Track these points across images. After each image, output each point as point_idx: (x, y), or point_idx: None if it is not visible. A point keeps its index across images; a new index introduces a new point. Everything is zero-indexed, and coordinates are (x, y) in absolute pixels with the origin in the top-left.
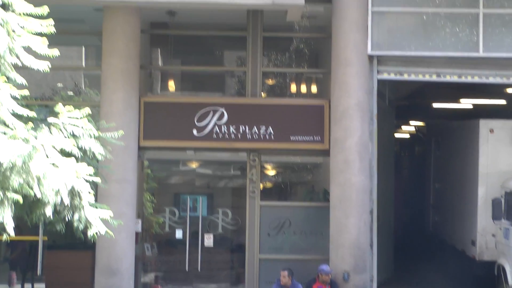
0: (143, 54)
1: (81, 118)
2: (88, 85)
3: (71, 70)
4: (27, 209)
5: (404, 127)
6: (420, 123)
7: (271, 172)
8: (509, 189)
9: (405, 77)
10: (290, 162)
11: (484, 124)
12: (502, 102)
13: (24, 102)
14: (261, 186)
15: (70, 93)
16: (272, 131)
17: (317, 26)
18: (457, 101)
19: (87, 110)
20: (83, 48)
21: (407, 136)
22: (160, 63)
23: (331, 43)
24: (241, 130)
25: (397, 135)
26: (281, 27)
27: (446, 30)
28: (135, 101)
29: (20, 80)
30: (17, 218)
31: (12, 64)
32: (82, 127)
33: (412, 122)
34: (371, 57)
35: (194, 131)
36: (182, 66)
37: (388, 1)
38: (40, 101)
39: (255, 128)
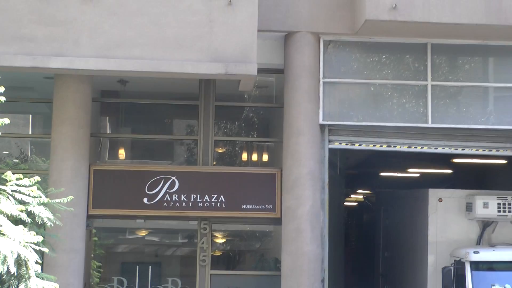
0: (93, 121)
1: (30, 185)
2: (35, 153)
3: (17, 138)
4: None
5: (352, 195)
6: (369, 192)
7: (221, 240)
8: (459, 257)
9: (356, 146)
10: (241, 230)
11: (433, 194)
12: (448, 171)
13: None
14: (212, 254)
15: (16, 160)
16: (223, 200)
17: (268, 96)
18: (404, 170)
19: (36, 178)
20: (30, 116)
21: (355, 204)
22: (110, 130)
23: (282, 112)
24: (192, 199)
25: (346, 203)
26: (233, 96)
27: (395, 101)
28: (84, 169)
29: None
30: None
31: None
32: (30, 195)
33: (360, 191)
34: (322, 127)
35: (145, 199)
36: (132, 134)
37: (339, 72)
38: None
39: (207, 197)
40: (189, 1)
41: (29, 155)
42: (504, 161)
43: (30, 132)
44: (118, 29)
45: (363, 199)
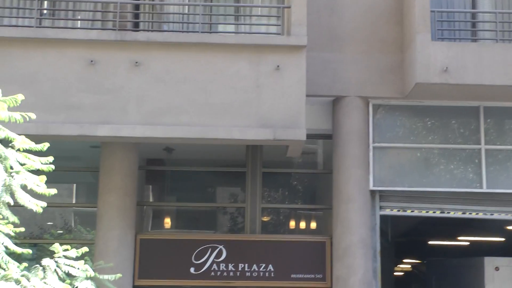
0: (139, 190)
1: (77, 256)
2: (79, 223)
3: (61, 208)
4: None
5: (400, 265)
6: (417, 261)
7: None
8: None
9: (408, 213)
10: None
11: (490, 262)
12: (501, 239)
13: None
14: None
15: (60, 231)
16: (272, 269)
17: (314, 162)
18: (453, 238)
19: (84, 249)
20: (74, 185)
21: (402, 274)
22: (155, 199)
23: (330, 178)
24: (240, 268)
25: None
26: (279, 162)
27: (448, 165)
28: (131, 239)
29: (12, 218)
30: None
31: (6, 203)
32: (78, 268)
33: (408, 260)
34: (373, 193)
35: (192, 269)
36: (178, 202)
37: (389, 137)
38: (29, 240)
39: (255, 266)
40: (236, 66)
41: (73, 225)
42: None
43: (74, 202)
44: (165, 96)
45: (411, 268)
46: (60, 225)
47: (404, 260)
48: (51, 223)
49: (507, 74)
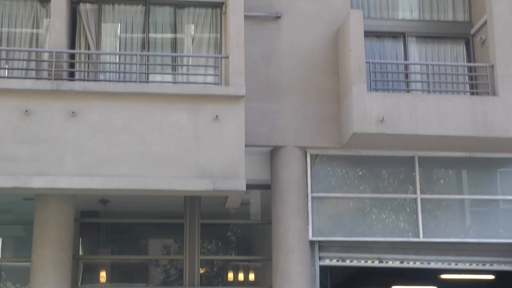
0: (74, 243)
1: None
2: (7, 279)
3: None
4: None
5: None
6: None
7: None
8: None
9: (348, 263)
10: None
11: None
12: None
13: None
14: None
15: None
16: None
17: (255, 212)
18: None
19: None
20: (0, 239)
21: None
22: (90, 252)
23: (270, 229)
24: None
25: None
26: (218, 213)
27: (385, 215)
28: None
29: None
30: None
31: None
32: None
33: None
34: (312, 243)
35: None
36: (113, 255)
37: (327, 186)
38: None
39: None
40: (174, 117)
41: (0, 281)
42: (491, 277)
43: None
44: (102, 146)
45: None
46: None
47: None
48: None
49: (440, 124)
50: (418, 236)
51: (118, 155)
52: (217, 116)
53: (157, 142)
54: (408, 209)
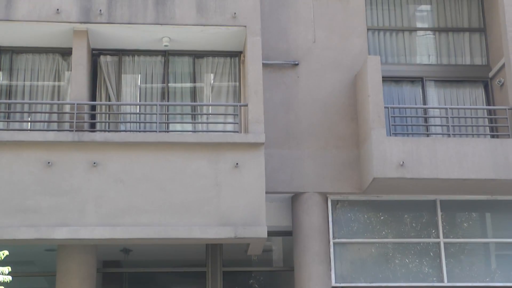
0: None
1: None
2: None
3: None
4: None
5: None
6: None
7: None
8: None
9: None
10: None
11: None
12: None
13: None
14: None
15: None
16: None
17: (277, 258)
18: None
19: None
20: None
21: None
22: None
23: (292, 275)
24: None
25: None
26: (240, 260)
27: (409, 260)
28: None
29: None
30: None
31: None
32: None
33: None
34: None
35: None
36: None
37: (349, 232)
38: None
39: None
40: (195, 165)
41: None
42: None
43: None
44: (124, 196)
45: None
46: None
47: None
48: None
49: (461, 167)
50: (442, 281)
51: (139, 205)
52: (237, 164)
53: (178, 191)
54: (431, 254)
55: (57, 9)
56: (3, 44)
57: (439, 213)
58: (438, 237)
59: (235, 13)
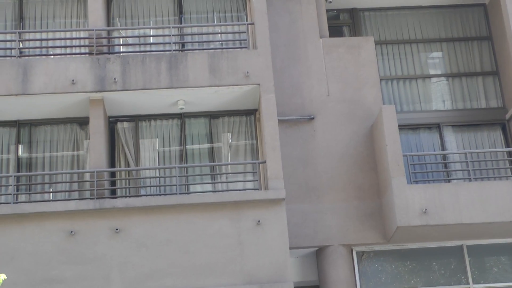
0: None
1: None
2: None
3: None
4: None
5: None
6: None
7: None
8: None
9: None
10: None
11: None
12: None
13: None
14: None
15: None
16: None
17: None
18: None
19: None
20: None
21: None
22: None
23: None
24: None
25: None
26: None
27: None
28: None
29: None
30: None
31: None
32: None
33: None
34: None
35: None
36: None
37: (377, 283)
38: None
39: None
40: (217, 225)
41: None
42: None
43: None
44: (147, 260)
45: None
46: None
47: None
48: None
49: (485, 211)
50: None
51: (163, 268)
52: (259, 221)
53: (201, 252)
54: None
55: (73, 80)
56: (22, 117)
57: (467, 258)
58: (468, 283)
59: (247, 72)
